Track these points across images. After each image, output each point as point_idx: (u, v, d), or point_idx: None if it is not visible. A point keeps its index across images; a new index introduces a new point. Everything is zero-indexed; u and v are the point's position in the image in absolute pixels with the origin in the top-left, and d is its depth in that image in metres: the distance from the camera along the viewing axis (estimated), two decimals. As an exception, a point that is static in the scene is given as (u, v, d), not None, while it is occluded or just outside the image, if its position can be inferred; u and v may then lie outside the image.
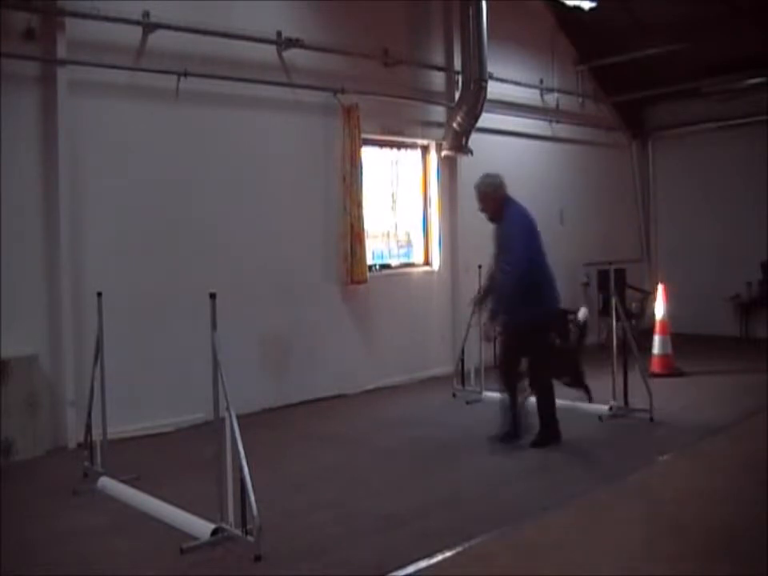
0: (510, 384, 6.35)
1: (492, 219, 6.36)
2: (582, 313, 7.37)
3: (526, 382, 6.38)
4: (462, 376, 8.34)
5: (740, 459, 5.81)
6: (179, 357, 7.03)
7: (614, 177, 12.38)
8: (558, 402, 7.63)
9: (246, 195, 7.74)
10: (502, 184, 6.35)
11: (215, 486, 4.36)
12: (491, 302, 6.43)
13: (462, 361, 8.34)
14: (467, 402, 7.91)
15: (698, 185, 12.12)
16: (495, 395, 7.98)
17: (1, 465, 5.96)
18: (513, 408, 6.31)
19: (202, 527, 4.38)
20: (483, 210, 6.35)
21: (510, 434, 6.30)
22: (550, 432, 6.30)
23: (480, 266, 8.06)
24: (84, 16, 6.57)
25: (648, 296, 11.17)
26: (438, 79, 9.75)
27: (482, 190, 6.34)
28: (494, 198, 6.27)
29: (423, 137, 9.62)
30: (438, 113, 9.70)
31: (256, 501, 4.09)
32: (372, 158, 9.12)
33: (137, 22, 6.94)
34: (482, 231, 9.91)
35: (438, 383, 8.91)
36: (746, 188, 11.45)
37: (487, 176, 6.36)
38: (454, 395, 8.21)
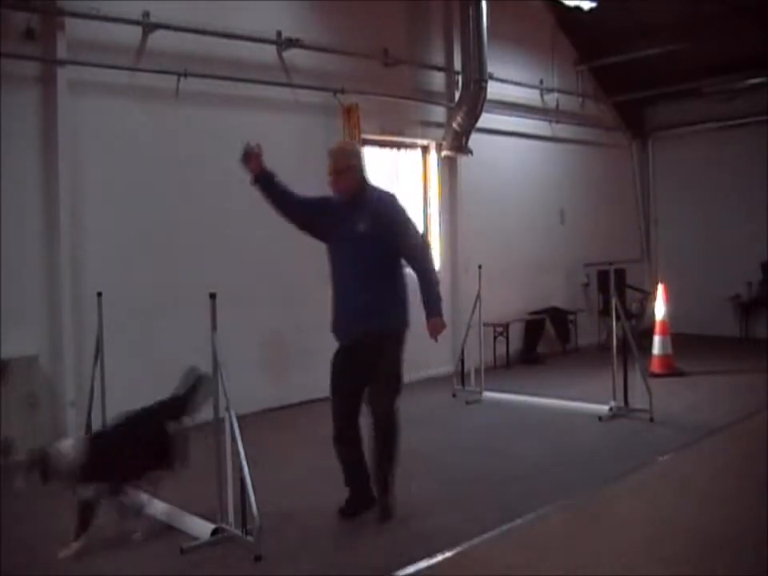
0: (351, 428, 4.69)
1: (346, 199, 4.71)
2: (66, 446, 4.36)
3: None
4: (462, 376, 8.34)
5: (740, 459, 5.81)
6: (179, 357, 6.99)
7: (614, 177, 12.39)
8: (555, 402, 7.69)
9: (246, 195, 7.70)
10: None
11: (215, 485, 4.36)
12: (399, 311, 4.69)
13: (462, 361, 8.35)
14: (467, 402, 7.92)
15: (697, 185, 12.12)
16: (496, 395, 8.04)
17: (1, 465, 5.95)
18: (358, 464, 4.75)
19: (202, 527, 4.38)
20: (339, 184, 4.71)
21: (356, 499, 4.75)
22: (389, 488, 4.66)
23: (480, 266, 8.08)
24: (84, 16, 6.57)
25: (648, 296, 11.18)
26: (437, 79, 9.75)
27: (345, 162, 4.69)
28: (357, 172, 4.72)
29: (423, 137, 9.62)
30: (438, 113, 9.70)
31: (256, 501, 4.09)
32: (372, 157, 9.11)
33: (137, 22, 6.95)
34: (482, 231, 10.02)
35: (438, 383, 8.90)
36: (746, 188, 11.45)
37: (349, 143, 4.86)
38: (453, 395, 8.21)
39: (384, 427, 4.61)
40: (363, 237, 4.57)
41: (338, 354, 4.75)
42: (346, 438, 4.70)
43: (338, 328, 4.74)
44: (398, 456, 4.67)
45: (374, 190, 4.82)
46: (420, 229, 4.92)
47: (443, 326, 4.65)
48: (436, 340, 4.67)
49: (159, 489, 4.62)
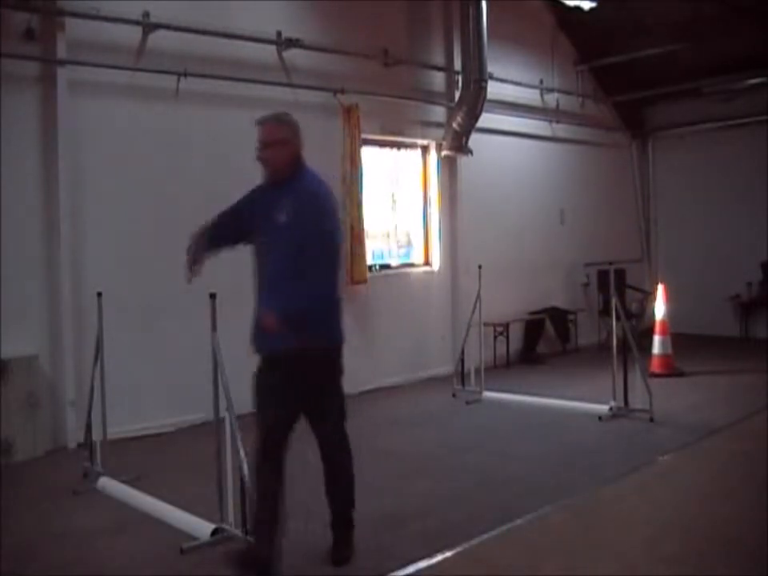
0: (275, 474, 4.02)
1: (274, 179, 4.02)
2: None
3: None
4: (462, 376, 8.33)
5: (740, 459, 5.81)
6: (179, 357, 7.02)
7: (614, 177, 12.39)
8: (555, 401, 7.69)
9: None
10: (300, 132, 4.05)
11: (215, 485, 4.36)
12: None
13: (462, 361, 8.34)
14: (467, 402, 7.91)
15: (698, 185, 12.13)
16: (496, 395, 8.03)
17: (1, 465, 5.95)
18: (273, 498, 3.97)
19: (202, 527, 4.38)
20: (267, 159, 3.99)
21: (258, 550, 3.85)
22: (351, 533, 4.17)
23: (480, 266, 8.08)
24: (84, 16, 6.57)
25: (648, 296, 11.18)
26: (437, 79, 9.75)
27: (275, 134, 3.97)
28: (291, 148, 3.98)
29: (423, 137, 9.62)
30: (438, 113, 9.70)
31: (256, 501, 4.09)
32: (372, 158, 9.12)
33: (137, 22, 6.94)
34: (482, 231, 10.01)
35: (438, 383, 8.90)
36: (746, 188, 11.45)
37: (285, 113, 4.12)
38: (453, 395, 8.21)
39: (332, 458, 4.20)
40: (283, 229, 3.86)
41: (259, 375, 4.13)
42: (267, 464, 4.02)
43: (252, 338, 4.08)
44: (353, 489, 4.19)
45: (309, 176, 4.02)
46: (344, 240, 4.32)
47: (271, 323, 3.89)
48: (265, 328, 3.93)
49: None
